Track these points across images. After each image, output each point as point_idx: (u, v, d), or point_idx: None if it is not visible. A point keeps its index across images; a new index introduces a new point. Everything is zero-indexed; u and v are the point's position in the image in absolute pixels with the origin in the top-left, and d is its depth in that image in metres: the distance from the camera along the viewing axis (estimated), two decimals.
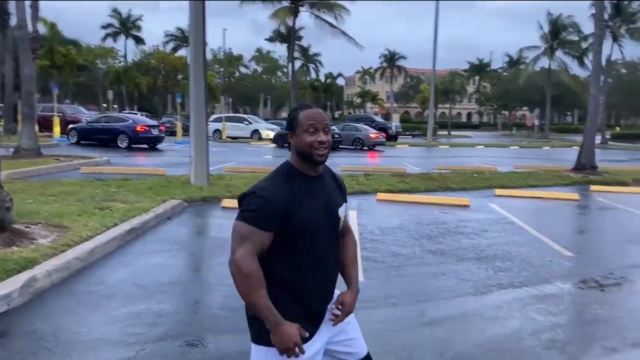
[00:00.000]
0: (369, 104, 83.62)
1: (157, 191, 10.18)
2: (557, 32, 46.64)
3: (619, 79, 50.05)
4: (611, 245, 8.03)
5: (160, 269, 6.00)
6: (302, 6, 37.83)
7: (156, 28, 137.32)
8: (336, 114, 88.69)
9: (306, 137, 2.05)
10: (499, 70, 70.51)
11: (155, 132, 24.24)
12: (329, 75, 79.58)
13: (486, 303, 5.23)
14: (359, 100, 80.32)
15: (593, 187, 14.04)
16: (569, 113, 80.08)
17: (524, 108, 73.80)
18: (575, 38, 46.57)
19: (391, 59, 74.58)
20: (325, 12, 37.91)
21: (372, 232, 8.14)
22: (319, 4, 37.12)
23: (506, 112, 74.77)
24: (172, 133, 32.85)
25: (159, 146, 24.85)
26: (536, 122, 55.43)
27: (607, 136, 42.67)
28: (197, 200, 10.03)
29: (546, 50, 47.03)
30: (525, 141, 41.56)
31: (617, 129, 53.66)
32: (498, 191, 12.39)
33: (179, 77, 65.62)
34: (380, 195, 11.18)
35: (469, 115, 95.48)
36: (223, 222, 8.64)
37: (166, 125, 31.90)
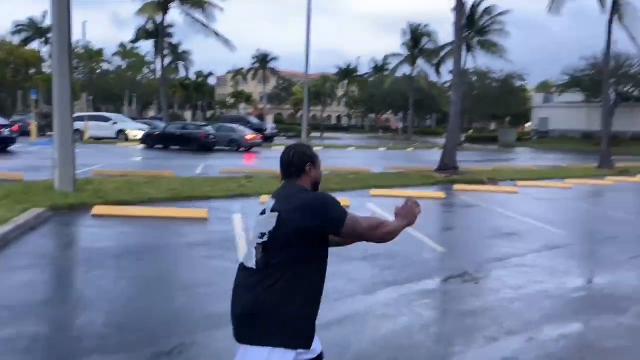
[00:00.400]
0: (242, 105, 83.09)
1: (16, 199, 9.19)
2: (417, 41, 49.98)
3: (471, 87, 54.83)
4: (478, 240, 8.75)
5: (28, 286, 5.41)
6: (173, 2, 36.53)
7: (1, 17, 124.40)
8: (208, 114, 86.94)
9: (320, 173, 2.58)
10: (366, 76, 73.90)
11: (6, 132, 21.90)
12: (199, 74, 77.76)
13: (376, 301, 5.42)
14: (232, 101, 79.45)
15: (456, 187, 15.22)
16: (428, 117, 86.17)
17: (389, 112, 78.06)
18: (433, 47, 50.28)
19: (263, 60, 74.82)
20: (196, 10, 36.97)
21: None
22: (190, 0, 36.08)
23: (373, 116, 78.51)
24: (25, 133, 29.90)
25: (11, 148, 22.49)
26: (400, 126, 59.02)
27: (463, 138, 46.49)
28: (64, 208, 9.21)
29: (408, 58, 50.21)
30: (391, 143, 43.98)
31: (471, 132, 58.72)
32: (373, 191, 12.95)
33: (32, 71, 59.97)
34: (263, 198, 11.12)
35: (339, 118, 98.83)
36: (95, 231, 8.05)
37: (19, 124, 28.93)
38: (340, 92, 75.31)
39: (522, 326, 4.85)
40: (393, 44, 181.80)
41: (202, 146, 26.76)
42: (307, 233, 2.31)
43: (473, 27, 44.60)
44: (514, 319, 5.06)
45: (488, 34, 45.95)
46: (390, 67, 57.17)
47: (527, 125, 72.28)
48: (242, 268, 2.44)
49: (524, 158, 33.80)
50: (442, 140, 51.96)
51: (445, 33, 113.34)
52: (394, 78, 53.97)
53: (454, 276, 6.46)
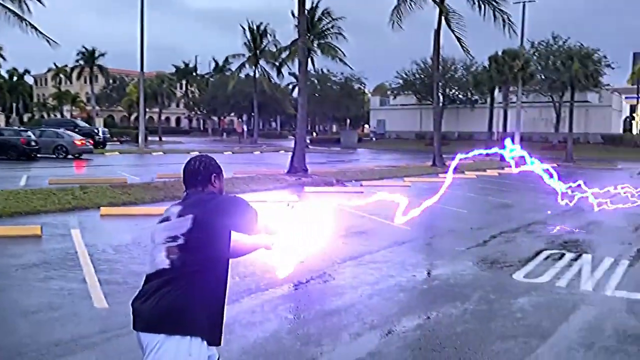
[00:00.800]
0: (66, 107, 76.81)
1: None
2: (258, 41, 50.52)
3: (312, 89, 57.04)
4: (332, 240, 9.20)
5: None
6: None
7: None
8: (25, 118, 79.01)
9: (224, 183, 2.78)
10: (206, 76, 72.93)
11: None
12: (13, 72, 70.37)
13: (241, 309, 5.49)
14: (54, 102, 73.05)
15: (307, 189, 15.80)
16: (272, 119, 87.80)
17: (232, 114, 77.92)
18: (275, 48, 51.28)
19: (90, 56, 70.00)
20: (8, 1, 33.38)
21: (105, 251, 7.65)
22: None
23: (215, 118, 77.76)
24: None
25: None
26: (245, 128, 59.33)
27: (307, 141, 48.18)
28: None
29: (250, 59, 50.65)
30: (237, 147, 44.03)
31: (314, 134, 61.15)
32: None
33: None
34: (105, 210, 10.54)
35: (178, 120, 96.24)
36: None
37: None
38: (179, 93, 73.35)
39: (383, 320, 5.27)
40: (234, 43, 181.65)
41: (23, 154, 24.35)
42: (226, 232, 2.53)
43: (312, 30, 46.38)
44: (375, 314, 5.47)
45: (327, 37, 48.07)
46: (232, 67, 57.23)
47: (366, 127, 77.23)
48: (151, 276, 2.51)
49: (365, 158, 36.06)
50: (288, 143, 53.48)
51: (284, 34, 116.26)
52: (238, 79, 54.07)
53: (314, 277, 6.76)
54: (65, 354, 4.26)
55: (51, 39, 30.83)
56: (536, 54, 44.60)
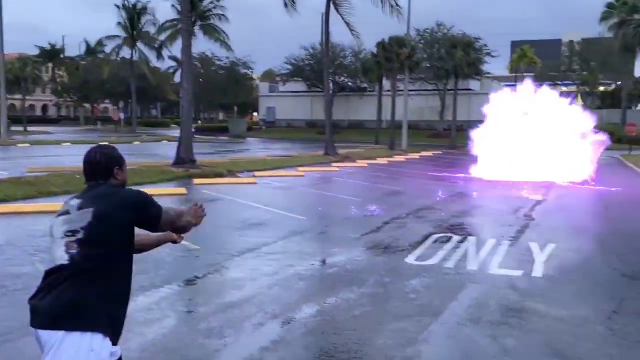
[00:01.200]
0: None
1: None
2: (135, 21, 48.48)
3: (196, 74, 55.91)
4: (228, 233, 9.33)
5: None
6: None
7: None
8: None
9: (127, 174, 2.81)
10: (77, 59, 68.79)
11: None
12: None
13: (136, 307, 5.48)
14: None
15: (196, 181, 15.69)
16: (152, 106, 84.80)
17: (107, 101, 74.27)
18: (154, 29, 49.52)
19: None
20: None
21: None
22: None
23: (88, 105, 73.66)
24: None
25: None
26: (122, 116, 56.87)
27: (193, 129, 47.28)
28: None
29: (127, 40, 48.59)
30: (114, 136, 42.18)
31: (199, 122, 59.98)
32: None
33: None
34: None
35: (45, 107, 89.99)
36: None
37: None
38: (45, 78, 68.58)
39: (284, 309, 5.54)
40: (105, 23, 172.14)
41: None
42: (129, 227, 2.57)
43: (194, 10, 45.38)
44: (276, 303, 5.72)
45: (209, 19, 47.23)
46: (107, 49, 54.54)
47: (254, 114, 77.07)
48: (49, 272, 2.50)
49: (255, 148, 36.18)
50: (171, 132, 52.06)
51: (164, 13, 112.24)
52: (113, 63, 51.64)
53: (211, 271, 6.88)
54: None
55: None
56: (422, 41, 47.05)
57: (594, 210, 13.44)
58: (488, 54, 45.20)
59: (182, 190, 13.73)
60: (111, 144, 2.95)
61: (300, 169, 20.48)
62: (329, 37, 28.91)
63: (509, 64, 55.23)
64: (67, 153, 26.27)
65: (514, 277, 6.85)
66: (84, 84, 60.99)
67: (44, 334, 2.43)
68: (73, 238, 2.47)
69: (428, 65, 44.52)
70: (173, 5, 41.38)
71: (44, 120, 72.61)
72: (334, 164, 23.18)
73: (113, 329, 2.54)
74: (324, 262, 7.56)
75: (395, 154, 31.09)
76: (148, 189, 13.04)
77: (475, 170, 19.07)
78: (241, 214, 11.17)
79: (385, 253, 8.04)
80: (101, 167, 2.67)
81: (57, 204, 10.84)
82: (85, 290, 2.44)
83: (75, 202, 2.58)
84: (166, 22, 42.91)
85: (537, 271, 7.11)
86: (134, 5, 47.72)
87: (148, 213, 2.62)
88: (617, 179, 18.96)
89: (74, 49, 76.41)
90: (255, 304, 5.70)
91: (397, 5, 28.43)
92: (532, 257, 7.82)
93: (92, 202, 2.53)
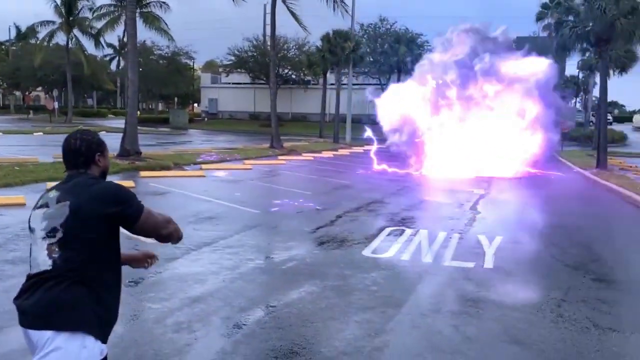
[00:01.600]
0: None
1: None
2: (71, 6, 46.62)
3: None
4: (182, 227, 9.23)
5: None
6: None
7: None
8: None
9: (109, 161, 2.71)
10: (6, 44, 65.54)
11: None
12: None
13: None
14: None
15: (143, 173, 15.38)
16: (87, 96, 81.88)
17: (39, 89, 71.21)
18: (89, 15, 47.74)
19: None
20: None
21: None
22: None
23: (19, 93, 70.41)
24: None
25: None
26: (56, 105, 54.64)
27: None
28: None
29: (62, 26, 46.68)
30: (48, 126, 40.53)
31: (138, 112, 58.41)
32: (50, 184, 12.12)
33: None
34: None
35: None
36: None
37: None
38: None
39: (251, 302, 5.60)
40: (37, 6, 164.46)
41: None
42: (107, 222, 2.45)
43: None
44: (241, 297, 5.77)
45: (150, 7, 46.08)
46: (40, 36, 52.16)
47: (195, 106, 75.77)
48: (33, 276, 2.45)
49: (198, 140, 35.67)
50: (108, 122, 50.54)
51: None
52: (47, 49, 49.53)
53: (170, 267, 6.83)
54: None
55: None
56: (365, 36, 47.58)
57: (534, 203, 14.09)
58: (430, 50, 46.20)
59: (130, 183, 13.40)
60: (88, 130, 2.80)
61: (247, 162, 20.42)
62: (275, 29, 28.79)
63: None
64: (3, 144, 25.14)
65: (467, 269, 7.16)
66: (15, 71, 58.20)
67: (34, 333, 2.39)
68: (54, 239, 2.40)
69: (371, 60, 45.08)
70: None
71: None
72: (280, 157, 23.21)
73: (103, 330, 2.50)
74: (283, 255, 7.63)
75: (339, 147, 31.42)
76: None
77: (417, 165, 19.54)
78: (193, 207, 11.07)
79: (342, 246, 8.20)
80: (81, 153, 2.56)
81: None
82: (71, 289, 2.38)
83: (54, 194, 2.48)
84: (101, 6, 41.55)
85: (489, 263, 7.45)
86: None
87: (127, 209, 2.47)
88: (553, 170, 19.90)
89: (3, 34, 72.79)
90: (221, 297, 5.74)
91: (342, 1, 28.71)
92: (483, 249, 8.18)
93: (69, 194, 2.43)
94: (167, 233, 2.66)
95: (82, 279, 2.41)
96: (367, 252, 7.85)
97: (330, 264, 7.20)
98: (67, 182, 2.54)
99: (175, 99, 70.96)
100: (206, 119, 58.57)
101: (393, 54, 39.06)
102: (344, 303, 5.71)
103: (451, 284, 6.51)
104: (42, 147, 23.74)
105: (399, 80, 41.57)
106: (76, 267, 2.40)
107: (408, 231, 9.26)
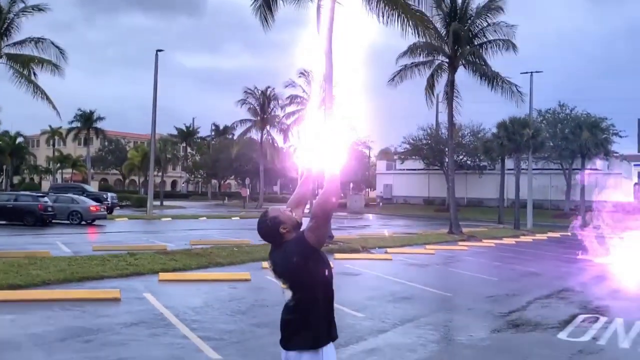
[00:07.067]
0: (60, 170, 78.55)
1: None
2: (264, 107, 52.95)
3: None
4: (382, 304, 10.46)
5: None
6: None
7: None
8: (15, 180, 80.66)
9: (291, 219, 3.53)
10: (208, 138, 75.34)
11: None
12: (16, 135, 72.48)
13: None
14: (57, 165, 74.60)
15: (337, 255, 17.03)
16: (274, 183, 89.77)
17: (231, 177, 79.80)
18: (280, 113, 53.60)
19: (87, 119, 72.42)
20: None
21: (186, 312, 8.88)
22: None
23: (215, 181, 79.56)
24: None
25: None
26: (247, 192, 60.90)
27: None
28: None
29: (257, 123, 52.97)
30: (243, 212, 45.37)
31: None
32: (265, 264, 14.18)
33: None
34: (163, 276, 11.80)
35: (174, 183, 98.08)
36: (11, 318, 8.19)
37: None
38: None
39: None
40: (225, 102, 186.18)
41: (39, 220, 25.62)
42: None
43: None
44: None
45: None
46: (235, 132, 59.40)
47: (368, 191, 78.90)
48: None
49: (376, 224, 37.38)
50: None
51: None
52: (242, 143, 56.17)
53: (385, 337, 7.98)
54: None
55: (57, 109, 32.11)
56: (544, 121, 47.01)
57: None
58: (616, 134, 44.29)
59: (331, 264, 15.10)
60: (273, 210, 3.59)
61: (429, 246, 21.33)
62: (452, 119, 30.17)
63: (638, 142, 53.30)
64: (209, 227, 29.03)
65: None
66: (214, 162, 66.32)
67: None
68: None
69: (552, 144, 44.28)
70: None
71: (174, 195, 78.90)
72: (460, 243, 23.80)
73: None
74: (480, 334, 8.42)
75: (520, 234, 30.98)
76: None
77: (608, 255, 18.90)
78: (388, 287, 12.26)
79: (537, 329, 8.75)
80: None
81: (226, 273, 12.63)
82: None
83: None
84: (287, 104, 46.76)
85: None
86: (264, 92, 52.22)
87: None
88: None
89: (204, 131, 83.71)
90: None
91: (518, 91, 29.36)
92: None
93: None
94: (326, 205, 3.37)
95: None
96: (562, 335, 8.33)
97: (527, 343, 7.85)
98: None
99: (350, 184, 74.90)
100: (381, 203, 60.81)
101: (575, 139, 38.20)
102: None
103: None
104: (242, 230, 26.98)
105: (583, 165, 40.24)
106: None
107: (602, 319, 9.49)
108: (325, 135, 3.61)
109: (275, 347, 6.94)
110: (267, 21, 21.77)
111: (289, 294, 3.44)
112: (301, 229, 3.47)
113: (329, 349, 3.38)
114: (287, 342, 3.43)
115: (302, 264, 3.34)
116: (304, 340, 3.36)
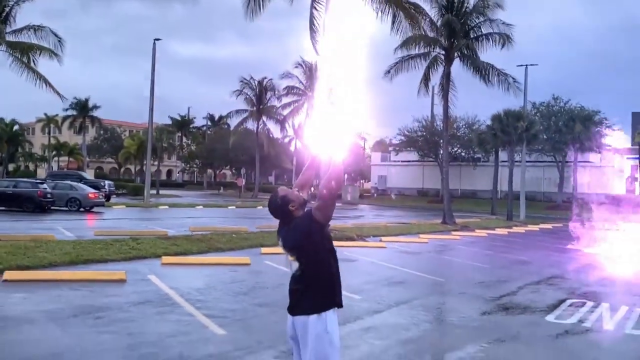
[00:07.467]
0: (55, 158, 78.59)
1: None
2: (261, 98, 53.21)
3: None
4: (378, 288, 10.85)
5: None
6: None
7: None
8: (10, 168, 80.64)
9: (299, 198, 3.91)
10: (204, 128, 75.52)
11: None
12: (13, 122, 72.40)
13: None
14: (53, 153, 74.64)
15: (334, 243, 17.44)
16: (269, 174, 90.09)
17: (227, 167, 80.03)
18: (276, 104, 53.87)
19: (83, 107, 72.45)
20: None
21: (190, 293, 9.22)
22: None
23: (211, 171, 79.80)
24: None
25: None
26: (243, 182, 61.24)
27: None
28: None
29: (253, 114, 53.22)
30: (239, 201, 45.72)
31: (312, 189, 63.09)
32: (264, 249, 14.58)
33: None
34: (166, 259, 12.15)
35: (169, 172, 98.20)
36: (25, 296, 8.53)
37: None
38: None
39: (452, 347, 6.91)
40: (220, 92, 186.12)
41: (38, 206, 25.87)
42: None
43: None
44: (443, 342, 7.10)
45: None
46: (231, 122, 59.67)
47: (362, 182, 79.32)
48: None
49: (370, 215, 37.84)
50: None
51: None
52: (239, 133, 56.41)
53: (380, 317, 8.37)
54: None
55: (59, 92, 32.44)
56: (538, 114, 47.48)
57: None
58: (609, 127, 44.79)
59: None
60: (282, 189, 3.99)
61: (422, 236, 21.76)
62: (447, 111, 30.56)
63: (632, 135, 53.85)
64: (206, 215, 29.38)
65: None
66: (210, 152, 66.57)
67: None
68: None
69: (545, 137, 44.79)
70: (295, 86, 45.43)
71: (170, 184, 79.10)
72: (453, 233, 24.23)
73: None
74: (473, 315, 8.82)
75: (513, 225, 31.47)
76: (270, 249, 15.02)
77: (597, 245, 19.35)
78: (383, 273, 12.65)
79: (526, 312, 9.16)
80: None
81: (227, 257, 13.00)
82: None
83: None
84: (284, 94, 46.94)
85: None
86: (261, 82, 52.41)
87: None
88: None
89: (198, 120, 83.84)
90: (426, 342, 7.13)
91: (514, 81, 29.73)
92: None
93: None
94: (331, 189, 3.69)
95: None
96: (550, 318, 8.74)
97: (516, 325, 8.25)
98: None
99: (345, 175, 75.39)
100: (375, 194, 61.27)
101: (568, 132, 38.67)
102: (527, 353, 6.79)
103: (631, 347, 7.23)
104: (240, 218, 27.39)
105: (575, 157, 40.75)
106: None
107: (589, 303, 9.90)
108: (330, 123, 3.94)
109: (276, 324, 7.40)
110: (253, 13, 21.82)
111: (295, 265, 3.81)
112: (308, 207, 3.82)
113: (331, 314, 3.74)
114: (294, 309, 3.80)
115: (309, 238, 3.72)
116: (308, 306, 3.72)
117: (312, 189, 3.92)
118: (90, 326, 7.04)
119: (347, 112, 3.97)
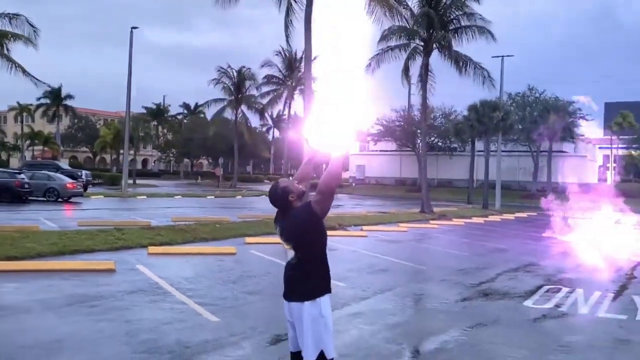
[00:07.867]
0: (30, 147, 77.32)
1: None
2: (240, 87, 53.03)
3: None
4: (362, 275, 11.17)
5: None
6: None
7: None
8: None
9: (297, 189, 4.13)
10: (179, 117, 75.01)
11: None
12: None
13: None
14: (27, 142, 73.34)
15: None
16: (247, 163, 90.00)
17: (203, 157, 79.70)
18: (255, 93, 53.76)
19: (57, 96, 71.33)
20: None
21: (179, 282, 9.43)
22: None
23: (187, 160, 79.37)
24: None
25: None
26: (220, 172, 61.09)
27: None
28: None
29: (231, 103, 53.04)
30: (217, 191, 45.71)
31: (290, 177, 63.36)
32: (248, 239, 14.80)
33: None
34: (152, 249, 12.30)
35: (145, 161, 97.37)
36: (15, 286, 8.63)
37: None
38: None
39: (436, 329, 7.25)
40: (197, 80, 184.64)
41: (16, 196, 25.65)
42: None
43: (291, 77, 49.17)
44: (427, 326, 7.44)
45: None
46: (208, 111, 59.40)
47: (343, 172, 79.72)
48: None
49: (350, 204, 38.16)
50: (265, 187, 55.32)
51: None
52: (217, 122, 56.23)
53: (367, 304, 8.68)
54: (217, 348, 6.10)
55: (37, 79, 32.00)
56: (513, 104, 48.30)
57: None
58: (582, 117, 45.79)
59: None
60: (281, 180, 4.21)
61: (401, 224, 22.18)
62: (425, 102, 30.97)
63: (604, 126, 55.17)
64: (185, 205, 29.43)
65: (619, 320, 8.22)
66: (187, 141, 66.23)
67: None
68: None
69: (520, 127, 45.61)
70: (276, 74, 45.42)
71: (146, 174, 78.48)
72: (431, 222, 24.71)
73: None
74: (456, 298, 9.19)
75: (489, 213, 32.13)
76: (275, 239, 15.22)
77: (571, 233, 19.95)
78: (365, 261, 12.99)
79: (505, 298, 9.57)
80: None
81: (212, 247, 13.19)
82: None
83: None
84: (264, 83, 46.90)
85: None
86: (239, 71, 52.22)
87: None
88: None
89: (173, 108, 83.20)
90: (411, 326, 7.47)
91: (489, 77, 30.28)
92: (636, 306, 9.11)
93: None
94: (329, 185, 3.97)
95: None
96: (528, 303, 9.15)
97: (496, 309, 8.64)
98: None
99: (323, 165, 75.65)
100: (354, 184, 61.72)
101: (543, 122, 39.48)
102: (507, 336, 7.17)
103: (604, 329, 7.67)
104: (219, 208, 27.53)
105: (550, 147, 41.62)
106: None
107: (565, 289, 10.36)
108: (330, 119, 4.17)
109: (268, 311, 7.67)
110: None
111: (291, 253, 4.06)
112: (307, 199, 4.06)
113: (325, 299, 4.02)
114: (291, 295, 4.06)
115: (307, 228, 3.98)
116: (304, 292, 3.98)
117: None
118: (87, 314, 7.22)
119: (347, 109, 4.19)
